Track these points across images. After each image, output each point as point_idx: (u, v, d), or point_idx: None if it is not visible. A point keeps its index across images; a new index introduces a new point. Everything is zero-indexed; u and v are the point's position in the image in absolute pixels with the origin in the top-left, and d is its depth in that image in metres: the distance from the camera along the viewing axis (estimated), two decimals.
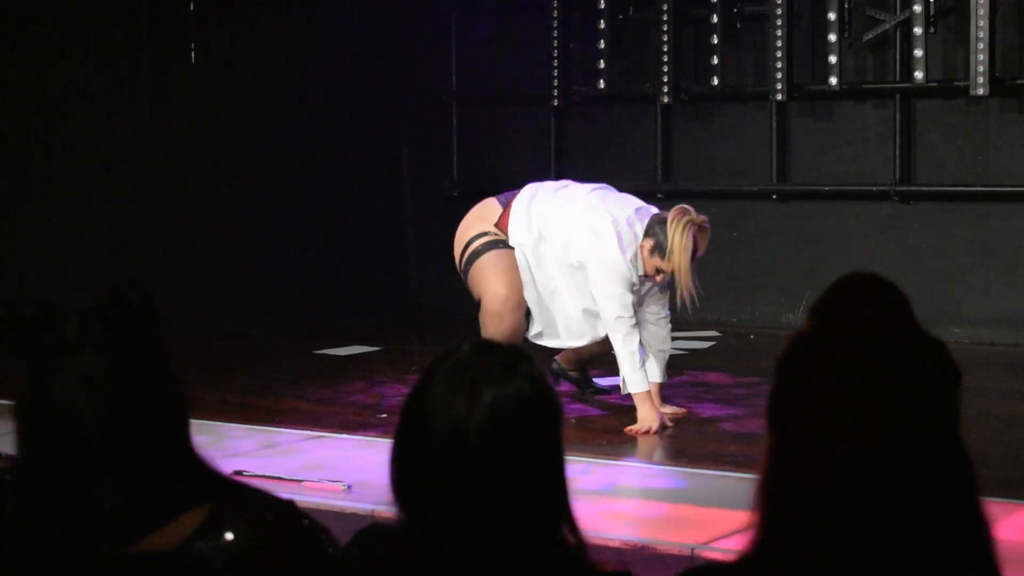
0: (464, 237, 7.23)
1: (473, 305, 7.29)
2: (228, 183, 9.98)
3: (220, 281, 9.79)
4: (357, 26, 10.59)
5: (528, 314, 7.03)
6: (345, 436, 6.55)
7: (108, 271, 9.00)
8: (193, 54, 9.89)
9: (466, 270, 7.19)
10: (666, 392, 7.11)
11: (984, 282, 9.30)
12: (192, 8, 9.88)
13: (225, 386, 7.66)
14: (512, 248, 7.01)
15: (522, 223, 7.00)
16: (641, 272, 6.77)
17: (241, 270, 9.99)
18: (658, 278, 6.78)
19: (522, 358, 2.22)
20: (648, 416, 6.59)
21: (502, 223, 7.08)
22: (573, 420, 6.84)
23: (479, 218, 7.24)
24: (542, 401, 2.20)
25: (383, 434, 6.25)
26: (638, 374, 6.64)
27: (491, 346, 2.25)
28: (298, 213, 10.34)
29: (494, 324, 6.93)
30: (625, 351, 6.64)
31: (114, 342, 2.27)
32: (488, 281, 7.02)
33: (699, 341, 9.39)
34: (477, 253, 7.10)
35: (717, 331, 9.73)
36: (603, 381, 7.52)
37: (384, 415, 6.92)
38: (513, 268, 6.98)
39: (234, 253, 9.96)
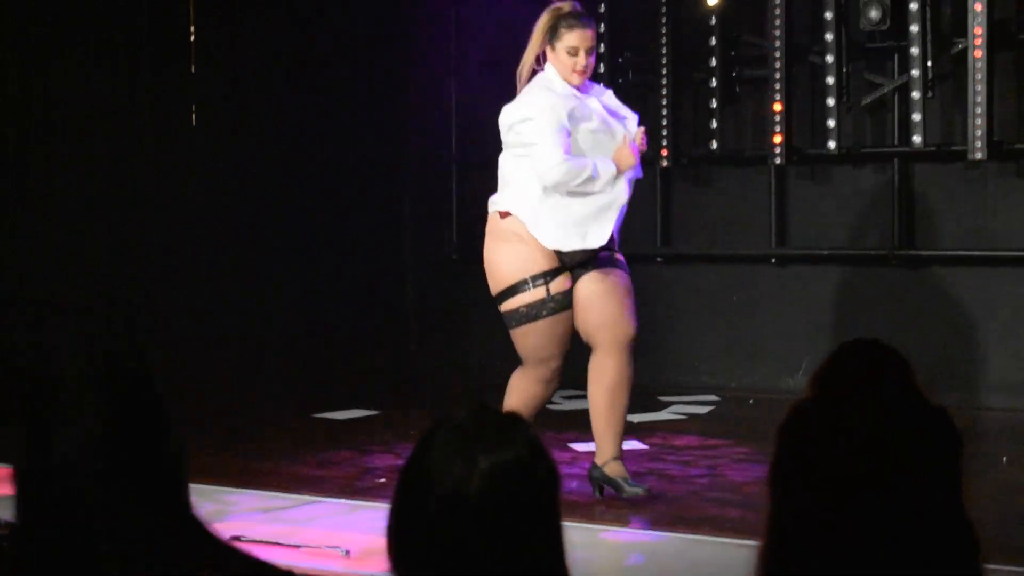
0: (503, 279, 6.52)
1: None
2: (228, 244, 9.97)
3: (219, 344, 9.77)
4: (360, 85, 10.63)
5: None
6: (343, 501, 6.52)
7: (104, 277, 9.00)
8: (194, 116, 9.92)
9: (508, 323, 6.60)
10: (668, 458, 7.06)
11: (984, 347, 9.29)
12: (193, 70, 9.92)
13: (223, 449, 7.63)
14: (569, 310, 6.47)
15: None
16: (569, 85, 6.45)
17: (240, 332, 9.97)
18: (578, 70, 6.44)
19: (519, 423, 2.21)
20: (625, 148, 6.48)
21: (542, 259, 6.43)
22: (574, 484, 6.81)
23: (521, 257, 6.48)
24: (539, 466, 2.19)
25: (381, 499, 6.23)
26: (604, 164, 6.40)
27: (488, 411, 2.24)
28: (298, 275, 10.34)
29: (534, 389, 6.57)
30: (581, 172, 6.34)
31: (111, 406, 2.27)
32: (539, 350, 6.51)
33: (698, 405, 9.37)
34: (526, 317, 6.48)
35: (716, 395, 9.71)
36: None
37: (382, 480, 6.90)
38: (568, 334, 6.52)
39: (234, 315, 9.95)
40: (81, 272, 9.19)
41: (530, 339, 6.53)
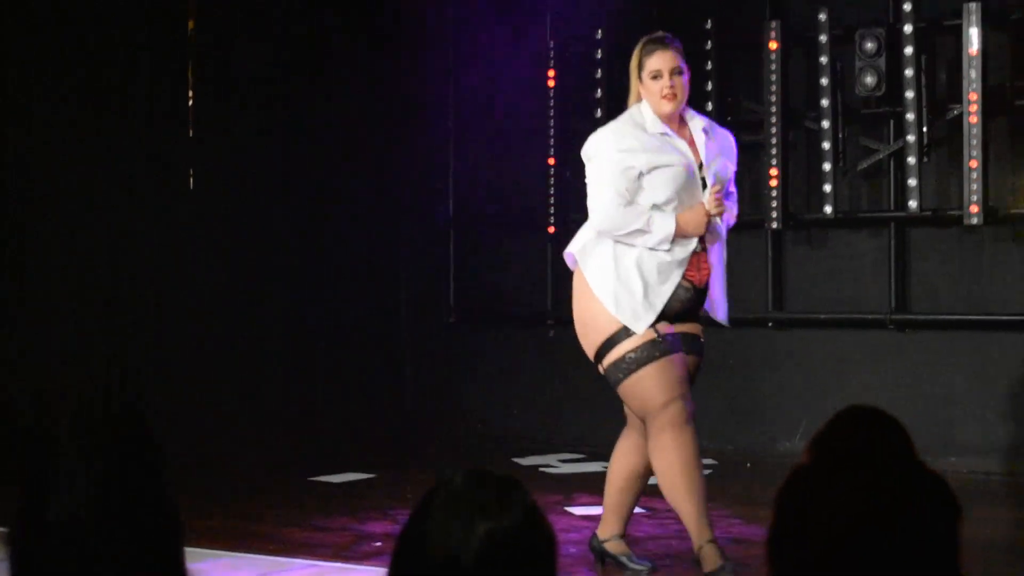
0: (601, 331, 6.08)
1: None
2: (225, 309, 9.97)
3: (215, 406, 9.75)
4: (358, 149, 10.67)
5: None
6: (340, 564, 6.50)
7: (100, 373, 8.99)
8: (191, 180, 9.95)
9: (615, 379, 6.07)
10: (666, 523, 7.04)
11: (980, 411, 9.29)
12: (191, 134, 9.96)
13: (219, 513, 7.61)
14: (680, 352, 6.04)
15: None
16: (661, 120, 5.96)
17: (238, 395, 9.96)
18: (665, 95, 5.93)
19: (516, 488, 2.21)
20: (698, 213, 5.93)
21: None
22: (572, 550, 6.79)
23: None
24: (537, 532, 2.19)
25: (378, 563, 6.20)
26: (662, 221, 5.88)
27: (486, 476, 2.24)
28: (296, 338, 10.35)
29: (665, 440, 6.00)
30: (630, 223, 5.89)
31: (109, 467, 2.27)
32: (662, 391, 6.00)
33: None
34: (635, 363, 5.97)
35: (713, 459, 9.69)
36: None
37: (379, 544, 6.87)
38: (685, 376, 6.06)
39: (232, 378, 9.94)
40: (80, 335, 9.18)
41: (644, 387, 5.97)
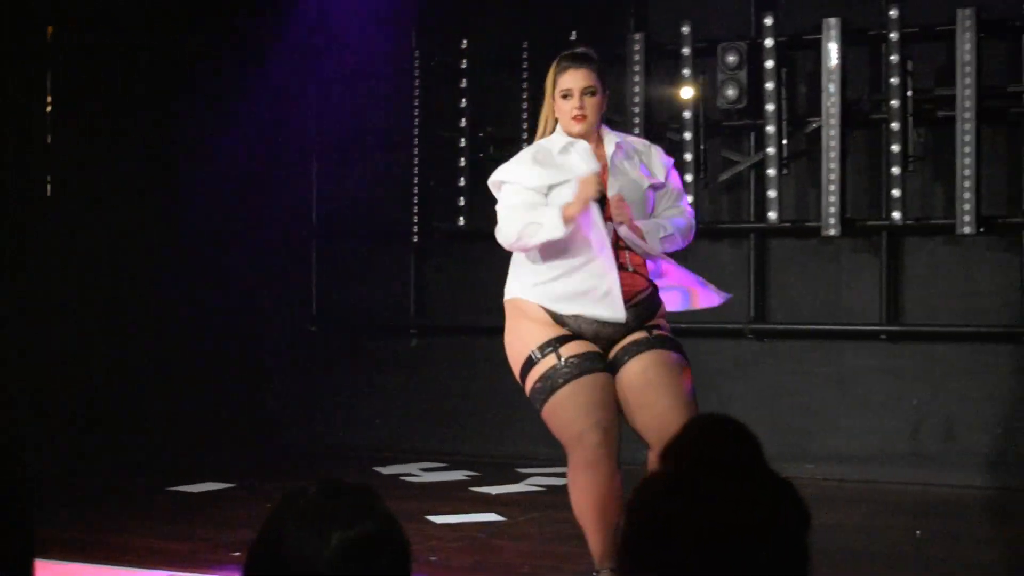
0: (515, 360, 5.79)
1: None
2: (83, 316, 9.83)
3: (70, 414, 9.61)
4: (221, 159, 10.58)
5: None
6: (197, 575, 6.43)
7: None
8: (49, 187, 9.80)
9: (537, 408, 5.67)
10: (526, 530, 7.05)
11: (836, 419, 9.42)
12: (49, 140, 9.80)
13: (75, 523, 7.50)
14: (594, 375, 5.51)
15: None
16: (563, 140, 5.65)
17: (93, 402, 9.82)
18: (574, 116, 5.60)
19: (370, 497, 2.20)
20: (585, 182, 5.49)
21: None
22: (433, 558, 6.78)
23: (525, 332, 5.76)
24: (391, 541, 2.18)
25: (237, 573, 6.15)
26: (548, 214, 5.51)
27: (339, 486, 2.22)
28: (156, 347, 10.22)
29: (585, 480, 5.54)
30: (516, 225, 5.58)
31: None
32: (569, 426, 5.52)
33: (557, 477, 9.38)
34: (542, 392, 5.59)
35: None
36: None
37: (237, 553, 6.81)
38: (601, 402, 5.50)
39: (86, 384, 9.80)
40: None
41: (556, 417, 5.54)
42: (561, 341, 5.58)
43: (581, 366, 5.51)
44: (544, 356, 5.61)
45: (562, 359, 5.55)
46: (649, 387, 5.46)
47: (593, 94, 5.70)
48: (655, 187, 5.74)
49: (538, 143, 5.77)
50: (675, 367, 5.62)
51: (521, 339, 5.75)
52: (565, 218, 5.46)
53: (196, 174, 10.48)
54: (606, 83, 5.78)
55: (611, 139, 5.79)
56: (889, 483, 9.10)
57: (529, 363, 5.68)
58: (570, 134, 5.68)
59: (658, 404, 5.45)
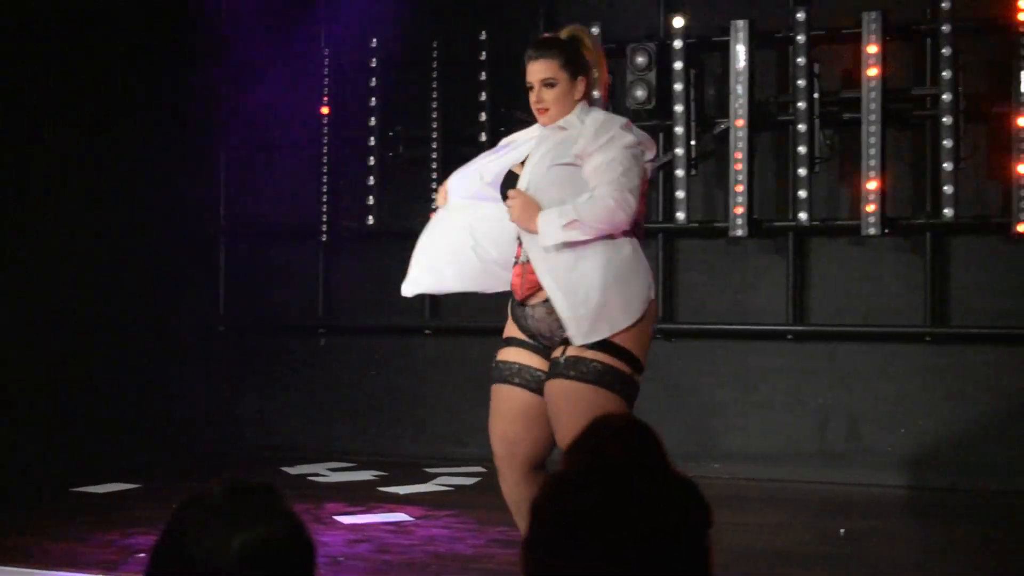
0: None
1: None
2: None
3: None
4: (128, 156, 10.49)
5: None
6: None
7: None
8: None
9: None
10: (434, 530, 7.05)
11: (743, 418, 9.49)
12: None
13: None
14: (517, 388, 5.38)
15: None
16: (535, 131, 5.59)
17: None
18: (538, 108, 5.49)
19: (275, 498, 2.19)
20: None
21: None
22: (341, 558, 6.76)
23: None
24: (295, 541, 2.17)
25: (141, 574, 6.10)
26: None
27: (243, 486, 2.21)
28: (60, 345, 10.12)
29: (502, 485, 5.47)
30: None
31: None
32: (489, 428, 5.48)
33: (465, 477, 9.38)
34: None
35: (482, 467, 9.74)
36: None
37: (143, 555, 6.76)
38: (519, 419, 5.35)
39: None
40: None
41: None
42: (507, 342, 5.49)
43: (498, 372, 5.43)
44: (500, 348, 5.51)
45: (496, 360, 5.47)
46: (552, 416, 5.21)
47: (552, 85, 5.51)
48: (574, 164, 5.33)
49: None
50: (573, 400, 5.14)
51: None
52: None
53: (106, 171, 10.38)
54: (580, 64, 5.55)
55: (560, 123, 5.52)
56: (795, 482, 9.18)
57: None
58: (541, 124, 5.54)
59: (556, 436, 5.22)
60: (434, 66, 10.13)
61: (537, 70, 5.57)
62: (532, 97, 5.55)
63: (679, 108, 9.40)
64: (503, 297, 10.09)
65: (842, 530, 7.48)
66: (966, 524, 7.96)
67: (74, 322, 10.21)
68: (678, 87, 9.40)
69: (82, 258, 10.26)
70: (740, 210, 9.18)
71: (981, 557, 7.05)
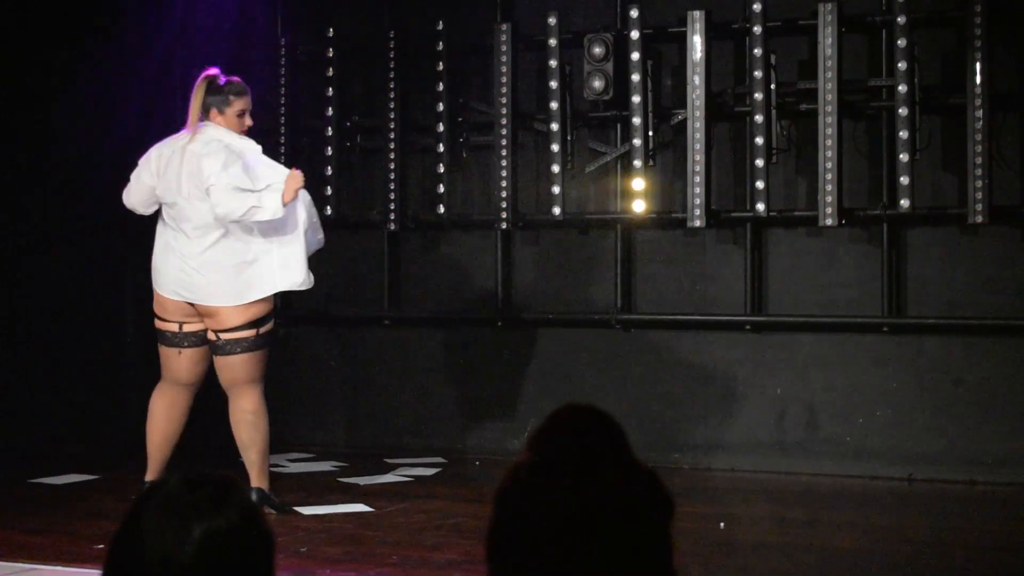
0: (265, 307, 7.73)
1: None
2: None
3: None
4: (85, 155, 10.42)
5: None
6: (60, 568, 6.35)
7: None
8: None
9: (262, 346, 7.71)
10: (395, 521, 7.03)
11: (703, 409, 9.52)
12: None
13: None
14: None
15: None
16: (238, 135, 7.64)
17: None
18: (246, 126, 7.69)
19: (233, 488, 2.19)
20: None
21: None
22: (303, 549, 6.75)
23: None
24: (254, 532, 2.17)
25: (100, 566, 6.07)
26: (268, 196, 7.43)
27: (201, 478, 2.21)
28: (14, 335, 10.06)
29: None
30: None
31: None
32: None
33: (425, 468, 9.39)
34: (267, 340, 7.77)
35: (442, 457, 9.74)
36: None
37: (100, 546, 6.73)
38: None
39: None
40: None
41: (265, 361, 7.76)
42: None
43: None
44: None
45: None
46: None
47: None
48: None
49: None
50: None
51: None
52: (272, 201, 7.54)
53: (71, 163, 10.30)
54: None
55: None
56: (753, 472, 9.22)
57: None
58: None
59: None
60: (391, 55, 10.11)
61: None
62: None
63: (636, 99, 9.41)
64: (462, 289, 10.10)
65: (722, 524, 7.44)
66: (921, 513, 8.01)
67: (31, 311, 10.15)
68: (635, 78, 9.40)
69: (39, 245, 10.20)
70: (698, 201, 9.20)
71: (939, 547, 7.10)
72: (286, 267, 7.60)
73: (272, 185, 7.46)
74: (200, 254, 7.48)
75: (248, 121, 7.71)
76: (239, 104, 7.66)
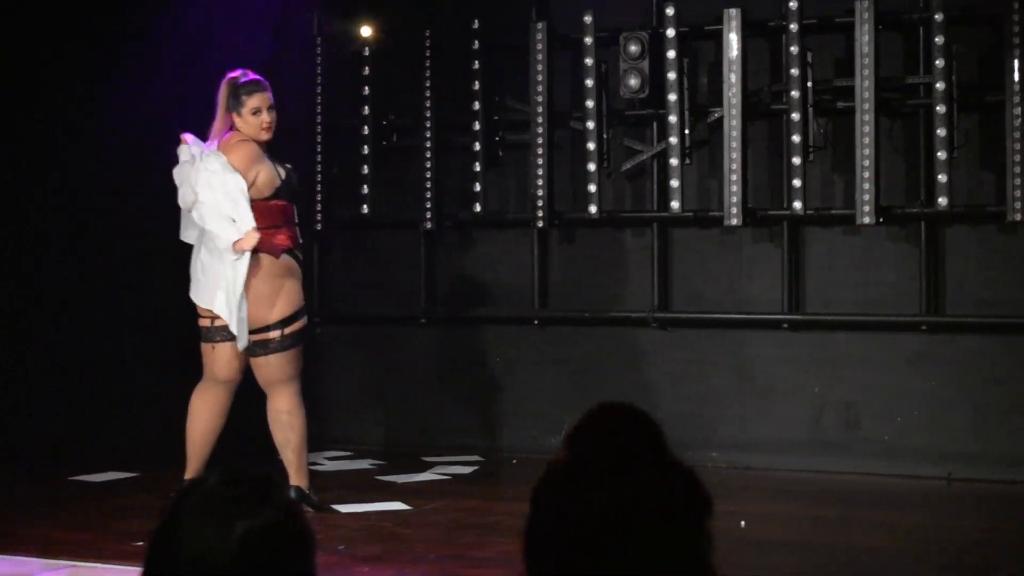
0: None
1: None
2: None
3: None
4: (116, 149, 10.46)
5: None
6: (99, 565, 6.39)
7: None
8: None
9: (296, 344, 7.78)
10: (432, 519, 7.05)
11: (740, 407, 9.50)
12: None
13: None
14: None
15: None
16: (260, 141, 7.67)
17: None
18: (265, 122, 7.67)
19: (273, 486, 2.20)
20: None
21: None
22: (341, 547, 6.77)
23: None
24: (295, 530, 2.18)
25: (140, 563, 6.09)
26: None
27: (240, 475, 2.22)
28: (56, 334, 10.10)
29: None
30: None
31: None
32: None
33: (462, 466, 9.39)
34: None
35: (479, 456, 9.75)
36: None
37: (140, 543, 6.76)
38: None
39: None
40: None
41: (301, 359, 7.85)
42: None
43: None
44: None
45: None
46: None
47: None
48: None
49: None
50: None
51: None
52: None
53: (95, 162, 10.33)
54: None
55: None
56: (790, 471, 9.19)
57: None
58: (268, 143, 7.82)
59: None
60: (427, 55, 10.12)
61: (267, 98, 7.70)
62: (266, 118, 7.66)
63: (672, 97, 9.40)
64: (498, 287, 10.10)
65: (743, 522, 7.42)
66: (959, 514, 7.98)
67: (70, 310, 10.19)
68: (671, 76, 9.39)
69: (75, 245, 10.23)
70: (734, 199, 9.18)
71: (974, 546, 7.07)
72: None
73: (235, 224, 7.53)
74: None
75: (266, 117, 7.66)
76: (252, 102, 7.64)
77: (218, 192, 7.49)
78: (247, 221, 7.44)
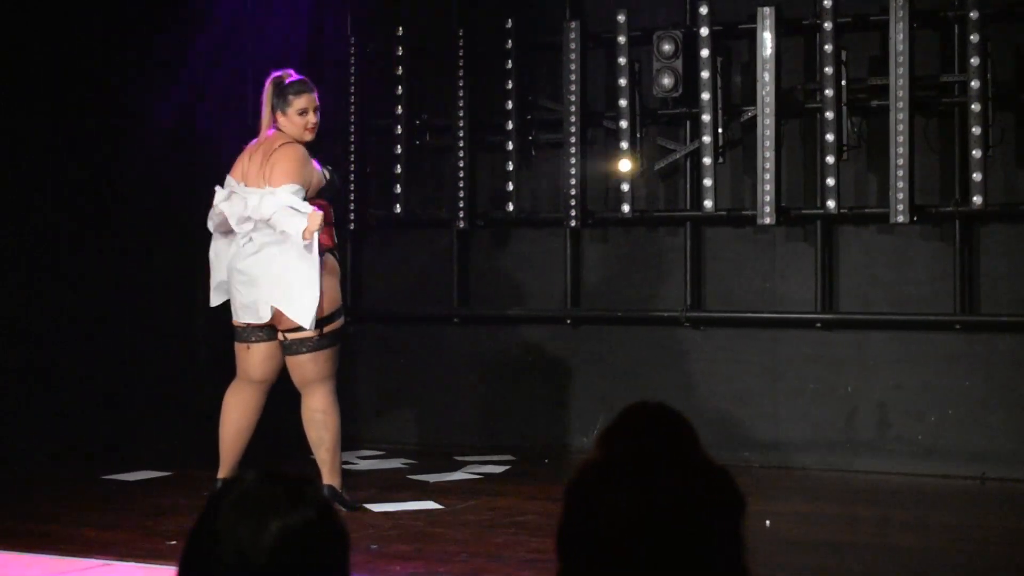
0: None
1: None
2: (13, 302, 9.74)
3: (5, 406, 9.52)
4: (145, 148, 10.49)
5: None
6: (133, 564, 6.40)
7: None
8: None
9: (328, 345, 7.80)
10: (464, 518, 7.05)
11: (773, 407, 9.48)
12: None
13: (9, 512, 7.45)
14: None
15: None
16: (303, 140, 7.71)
17: (28, 390, 9.73)
18: (311, 123, 7.70)
19: (308, 485, 2.21)
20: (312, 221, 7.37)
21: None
22: (374, 546, 6.78)
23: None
24: (330, 529, 2.18)
25: (173, 562, 6.11)
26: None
27: (276, 474, 2.23)
28: (90, 333, 10.14)
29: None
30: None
31: None
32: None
33: (494, 465, 9.40)
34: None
35: (511, 455, 9.75)
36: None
37: (174, 542, 6.79)
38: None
39: (18, 371, 9.70)
40: None
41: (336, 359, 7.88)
42: None
43: None
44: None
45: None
46: None
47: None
48: None
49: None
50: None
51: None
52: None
53: (126, 160, 10.37)
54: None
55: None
56: (823, 470, 9.17)
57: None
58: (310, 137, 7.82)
59: None
60: (460, 54, 10.13)
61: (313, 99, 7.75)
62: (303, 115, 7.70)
63: (706, 96, 9.39)
64: (531, 287, 10.10)
65: (767, 521, 7.40)
66: (996, 514, 7.95)
67: (105, 309, 10.22)
68: (705, 75, 9.38)
69: (108, 246, 10.27)
70: (768, 198, 9.16)
71: (1012, 548, 7.04)
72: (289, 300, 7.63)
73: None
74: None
75: (312, 119, 7.69)
76: (299, 103, 7.67)
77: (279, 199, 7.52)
78: (305, 207, 7.46)
